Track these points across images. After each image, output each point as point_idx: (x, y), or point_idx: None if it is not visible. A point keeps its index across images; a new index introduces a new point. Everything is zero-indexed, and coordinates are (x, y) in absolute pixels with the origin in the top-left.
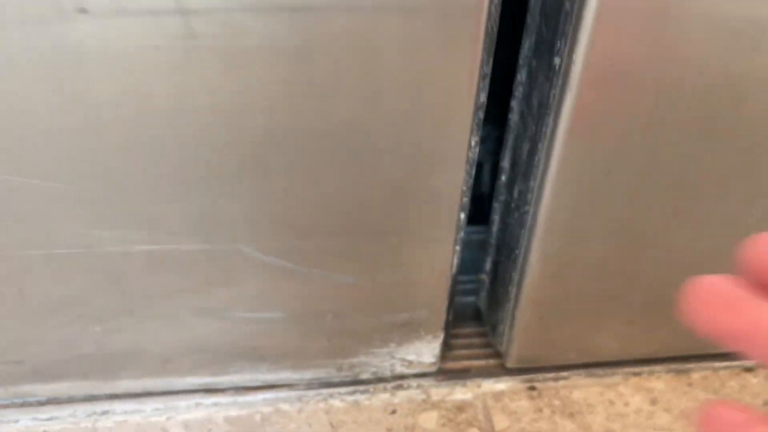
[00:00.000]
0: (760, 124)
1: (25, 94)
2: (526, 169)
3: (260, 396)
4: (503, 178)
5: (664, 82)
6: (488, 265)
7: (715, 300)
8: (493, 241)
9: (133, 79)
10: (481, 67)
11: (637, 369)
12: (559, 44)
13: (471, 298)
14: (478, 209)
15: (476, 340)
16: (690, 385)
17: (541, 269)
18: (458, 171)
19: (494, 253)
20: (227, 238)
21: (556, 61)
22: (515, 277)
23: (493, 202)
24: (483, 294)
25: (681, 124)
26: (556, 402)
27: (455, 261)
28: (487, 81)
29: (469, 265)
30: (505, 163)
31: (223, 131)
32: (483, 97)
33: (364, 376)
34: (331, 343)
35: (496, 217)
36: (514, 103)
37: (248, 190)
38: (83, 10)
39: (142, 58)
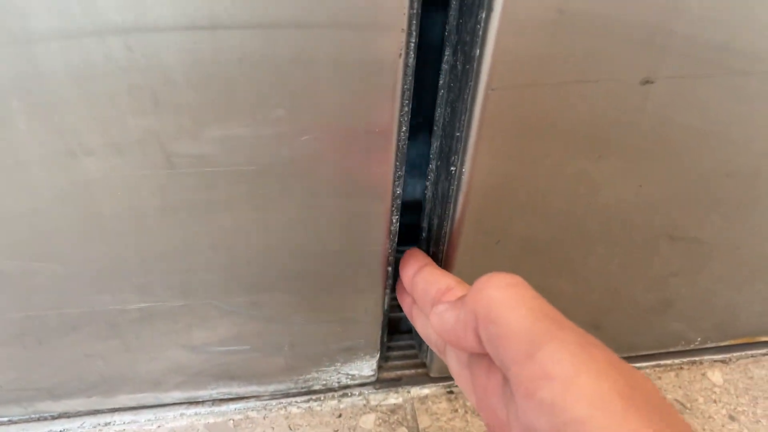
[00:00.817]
0: (613, 210)
1: (47, 211)
2: (437, 237)
3: (233, 406)
4: (423, 235)
5: (532, 186)
6: None
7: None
8: None
9: (128, 197)
10: (396, 172)
11: None
12: (453, 158)
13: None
14: None
15: (409, 353)
16: None
17: None
18: (384, 242)
19: None
20: (202, 297)
21: (452, 170)
22: None
23: (421, 232)
24: None
25: (548, 210)
26: (468, 403)
27: (386, 301)
28: (402, 179)
29: None
30: (425, 224)
31: (200, 228)
32: (399, 189)
33: (316, 387)
34: (288, 365)
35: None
36: (428, 184)
37: (218, 263)
38: (90, 153)
39: (135, 182)
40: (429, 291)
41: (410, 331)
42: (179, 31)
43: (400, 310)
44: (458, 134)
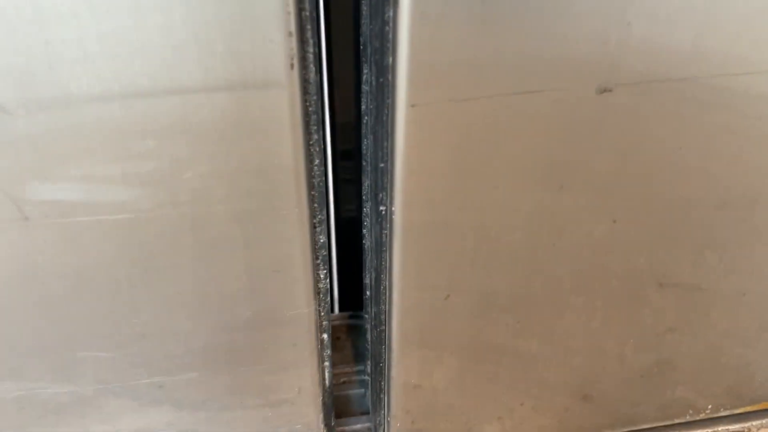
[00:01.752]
0: (585, 253)
1: None
2: (377, 294)
3: None
4: (367, 293)
5: (482, 226)
6: (368, 367)
7: None
8: (368, 346)
9: None
10: (312, 215)
11: None
12: (381, 195)
13: (362, 390)
14: None
15: None
16: None
17: (404, 381)
18: (309, 304)
19: (372, 362)
20: (92, 380)
21: (382, 210)
22: (384, 386)
23: (364, 313)
24: (368, 392)
25: (505, 255)
26: None
27: (327, 376)
28: (324, 225)
29: (361, 353)
30: (367, 280)
31: (71, 294)
32: (323, 238)
33: None
34: None
35: (367, 327)
36: (365, 232)
37: (105, 338)
38: None
39: None
40: None
41: (366, 411)
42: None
43: (351, 386)
44: (382, 165)
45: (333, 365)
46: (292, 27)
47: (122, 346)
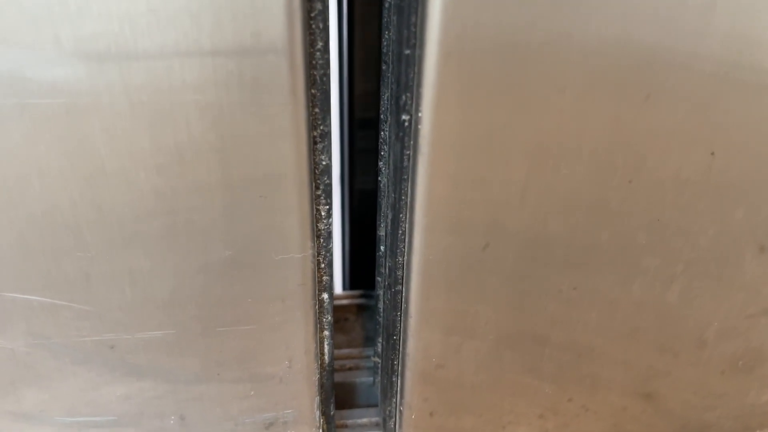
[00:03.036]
0: (659, 192)
1: None
2: (393, 243)
3: None
4: (381, 248)
5: (537, 144)
6: (379, 347)
7: None
8: (380, 319)
9: None
10: (312, 125)
11: None
12: (405, 98)
13: (369, 378)
14: None
15: None
16: None
17: (423, 358)
18: (304, 247)
19: (383, 334)
20: (25, 331)
21: (404, 117)
22: (398, 366)
23: (376, 275)
24: (377, 378)
25: (565, 191)
26: None
27: (326, 349)
28: (328, 141)
29: (372, 336)
30: (381, 231)
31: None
32: (326, 160)
33: None
34: None
35: (380, 293)
36: (381, 164)
37: (44, 275)
38: None
39: None
40: None
41: (374, 404)
42: None
43: (358, 373)
44: (408, 52)
45: (338, 348)
46: None
47: (62, 288)
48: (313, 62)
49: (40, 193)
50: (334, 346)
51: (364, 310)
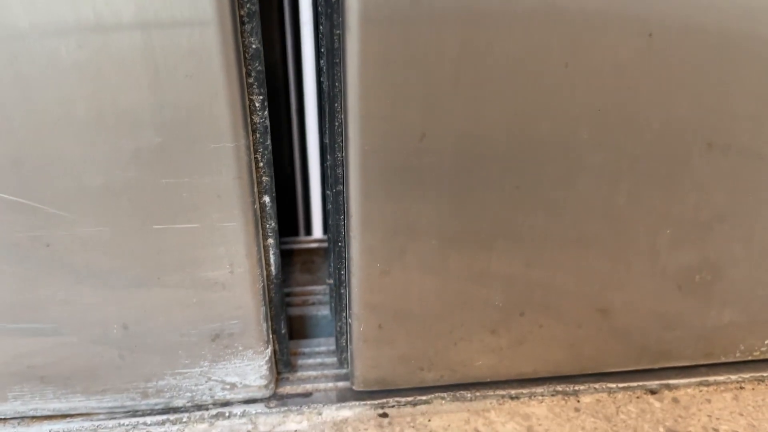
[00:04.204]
0: (598, 78)
1: None
2: (331, 138)
3: (47, 426)
4: (327, 156)
5: (469, 23)
6: (330, 266)
7: None
8: (330, 236)
9: None
10: (237, 3)
11: (514, 391)
12: None
13: (326, 311)
14: None
15: (329, 360)
16: (577, 410)
17: (367, 263)
18: (237, 137)
19: (330, 244)
20: None
21: None
22: (345, 275)
23: (325, 188)
24: (331, 303)
25: (500, 76)
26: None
27: (272, 258)
28: (257, 22)
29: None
30: (325, 137)
31: None
32: (255, 43)
33: (178, 403)
34: (127, 363)
35: (329, 206)
36: (322, 62)
37: None
38: None
39: None
40: None
41: (329, 334)
42: None
43: (316, 308)
44: None
45: (302, 285)
46: None
47: None
48: None
49: None
50: (300, 284)
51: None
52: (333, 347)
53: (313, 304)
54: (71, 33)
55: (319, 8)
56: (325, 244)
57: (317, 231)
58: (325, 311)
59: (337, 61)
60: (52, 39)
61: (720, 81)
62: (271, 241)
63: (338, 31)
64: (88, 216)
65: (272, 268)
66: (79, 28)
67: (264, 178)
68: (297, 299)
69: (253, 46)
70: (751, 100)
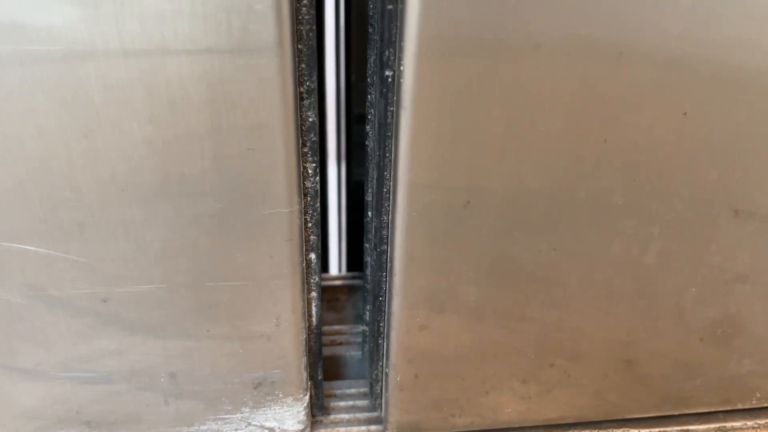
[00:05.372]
0: (643, 157)
1: None
2: (378, 202)
3: None
4: (368, 213)
5: (515, 101)
6: (366, 314)
7: None
8: (368, 286)
9: None
10: (299, 80)
11: None
12: (388, 54)
13: (359, 352)
14: None
15: (360, 403)
16: None
17: (407, 318)
18: (291, 203)
19: (369, 297)
20: (19, 281)
21: (388, 74)
22: (383, 327)
23: (364, 241)
24: (365, 347)
25: (542, 149)
26: None
27: (314, 311)
28: (315, 98)
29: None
30: (368, 196)
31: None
32: (312, 116)
33: None
34: (172, 409)
35: (368, 259)
36: (368, 127)
37: (38, 225)
38: None
39: None
40: None
41: (363, 376)
42: None
43: (347, 348)
44: (390, 7)
45: (329, 325)
46: None
47: (57, 238)
48: (300, 17)
49: (37, 141)
50: (327, 323)
51: (356, 290)
52: (364, 389)
53: (341, 344)
54: (144, 110)
55: (371, 95)
56: (349, 282)
57: (332, 267)
58: (354, 351)
59: (389, 134)
60: (124, 116)
61: (746, 153)
62: (314, 294)
63: (392, 108)
64: (145, 274)
65: (313, 319)
66: (152, 108)
67: (312, 237)
68: (326, 339)
69: (310, 120)
70: None
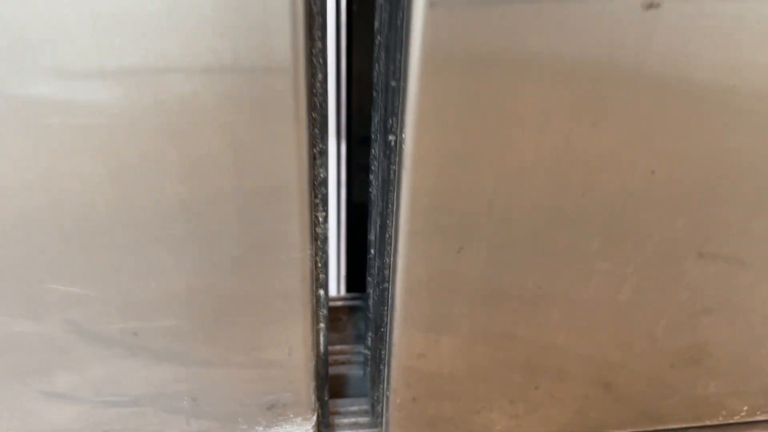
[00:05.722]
0: (617, 208)
1: None
2: (380, 246)
3: None
4: (371, 251)
5: (502, 162)
6: (369, 340)
7: None
8: (370, 315)
9: None
10: (312, 143)
11: None
12: (391, 122)
13: (360, 372)
14: None
15: (362, 420)
16: None
17: (407, 347)
18: (304, 248)
19: (372, 327)
20: (59, 318)
21: (391, 138)
22: (385, 355)
23: (366, 275)
24: (367, 369)
25: (527, 202)
26: None
27: (321, 340)
28: (326, 157)
29: (363, 334)
30: (371, 236)
31: (39, 206)
32: (323, 173)
33: None
34: (191, 427)
35: (369, 291)
36: (372, 177)
37: (75, 271)
38: None
39: None
40: None
41: (364, 394)
42: None
43: (349, 367)
44: (394, 84)
45: (332, 344)
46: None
47: (94, 280)
48: (314, 91)
49: (80, 196)
50: (330, 343)
51: (356, 311)
52: (365, 407)
53: (344, 363)
54: (176, 173)
55: (374, 150)
56: (350, 303)
57: (332, 287)
58: (355, 371)
59: (392, 189)
60: (159, 177)
61: (708, 203)
62: (322, 325)
63: (394, 167)
64: (171, 311)
65: (321, 347)
66: (183, 170)
67: (321, 276)
68: (330, 359)
69: (321, 176)
70: (737, 216)
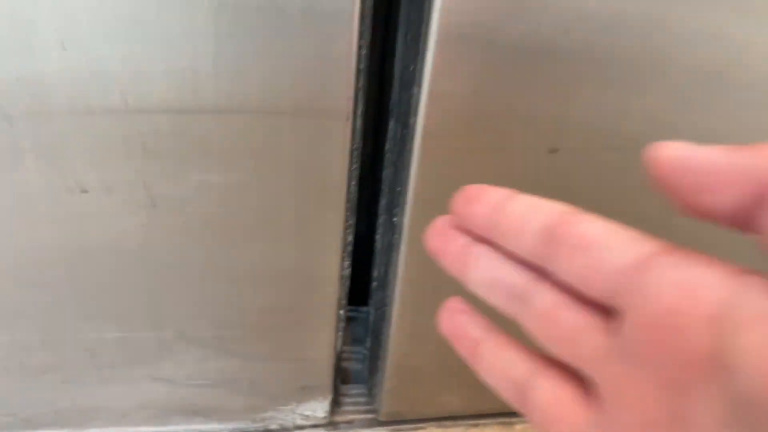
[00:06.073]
0: None
1: (42, 242)
2: (383, 283)
3: None
4: (374, 283)
5: None
6: (368, 343)
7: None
8: (371, 327)
9: (113, 232)
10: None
11: (473, 422)
12: (396, 210)
13: (360, 366)
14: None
15: (360, 399)
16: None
17: (398, 350)
18: (333, 293)
19: (372, 334)
20: (172, 329)
21: (395, 220)
22: (381, 354)
23: (369, 304)
24: (366, 364)
25: None
26: None
27: (339, 342)
28: (352, 236)
29: (362, 337)
30: (376, 271)
31: (174, 263)
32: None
33: (273, 426)
34: (248, 403)
35: (371, 310)
36: (378, 236)
37: (188, 297)
38: (85, 190)
39: (120, 219)
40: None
41: (363, 381)
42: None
43: (350, 363)
44: (399, 189)
45: None
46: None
47: (196, 305)
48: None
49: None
50: None
51: (352, 320)
52: (364, 390)
53: (346, 359)
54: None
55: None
56: (347, 313)
57: None
58: (356, 366)
59: (393, 251)
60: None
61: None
62: (340, 333)
63: (395, 219)
64: (245, 322)
65: (338, 347)
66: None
67: (342, 301)
68: None
69: (348, 239)
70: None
